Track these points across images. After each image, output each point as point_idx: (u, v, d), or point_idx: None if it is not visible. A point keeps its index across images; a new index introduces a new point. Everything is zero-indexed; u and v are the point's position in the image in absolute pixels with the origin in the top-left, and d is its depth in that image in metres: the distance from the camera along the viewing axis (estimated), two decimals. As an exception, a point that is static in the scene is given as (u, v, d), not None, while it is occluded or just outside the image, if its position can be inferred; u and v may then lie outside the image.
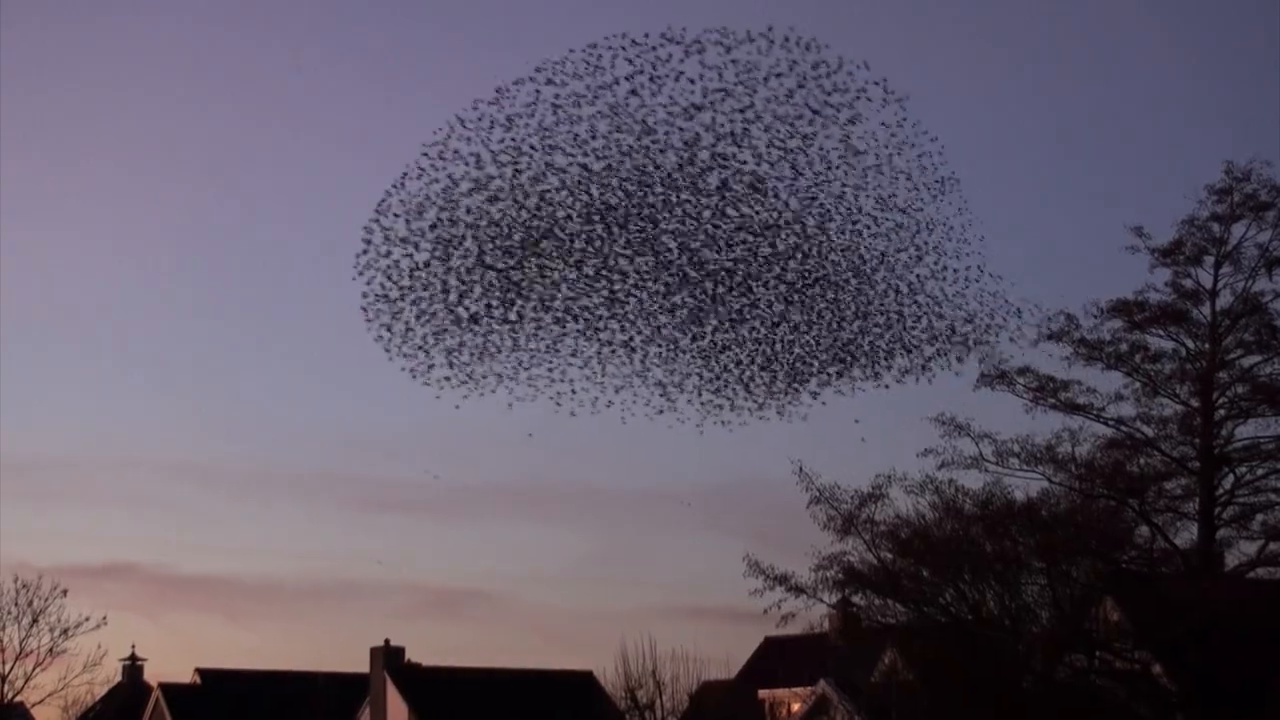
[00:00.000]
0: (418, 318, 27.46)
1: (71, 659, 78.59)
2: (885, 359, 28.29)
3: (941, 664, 41.07)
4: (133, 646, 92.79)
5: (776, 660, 63.74)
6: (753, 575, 41.31)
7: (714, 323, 27.51)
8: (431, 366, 27.86)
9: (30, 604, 77.58)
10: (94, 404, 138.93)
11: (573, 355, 27.69)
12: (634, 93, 26.08)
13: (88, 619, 78.83)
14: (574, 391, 28.05)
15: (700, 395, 28.24)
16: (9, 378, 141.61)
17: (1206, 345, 42.27)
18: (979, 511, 41.47)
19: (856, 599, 43.05)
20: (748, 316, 27.54)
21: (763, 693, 62.65)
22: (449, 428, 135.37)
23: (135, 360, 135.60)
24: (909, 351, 28.30)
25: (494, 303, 27.21)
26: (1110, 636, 40.91)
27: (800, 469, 42.00)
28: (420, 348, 27.73)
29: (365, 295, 27.42)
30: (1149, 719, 40.17)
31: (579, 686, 75.30)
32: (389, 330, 27.63)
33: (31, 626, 77.55)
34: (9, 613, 77.67)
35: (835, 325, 27.76)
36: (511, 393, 28.26)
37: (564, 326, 27.45)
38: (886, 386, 28.60)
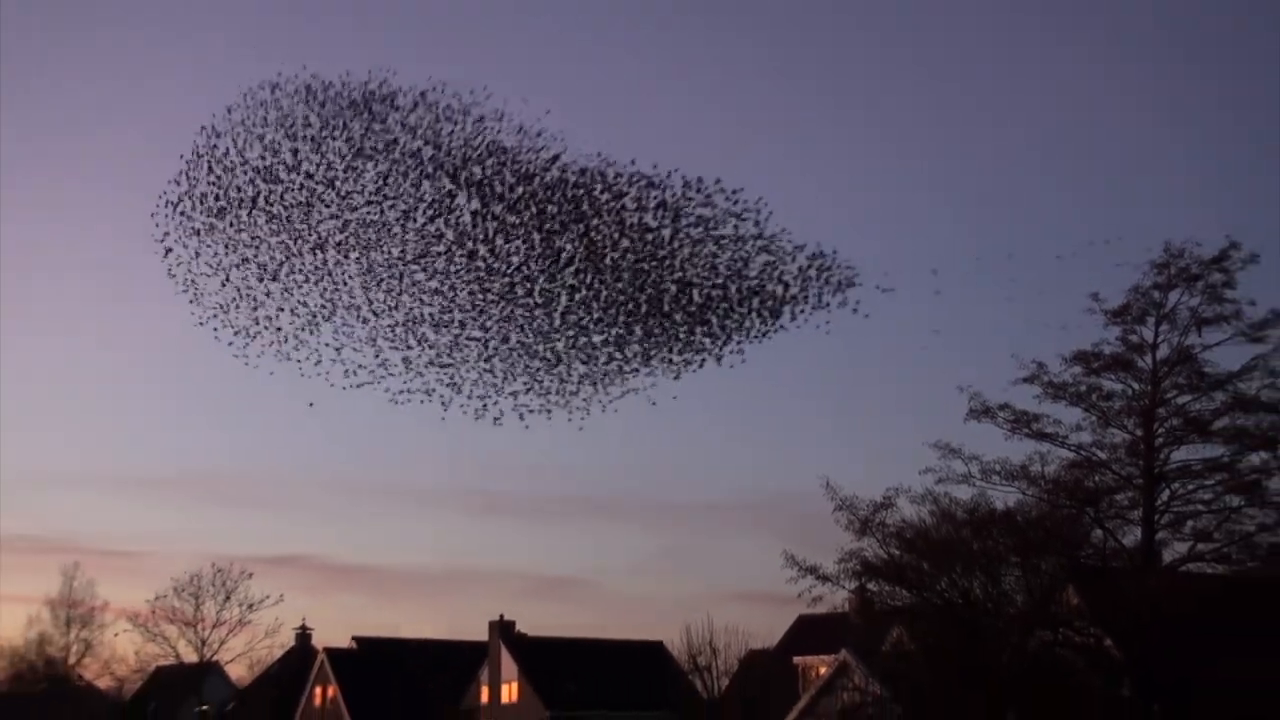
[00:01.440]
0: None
1: (256, 628, 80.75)
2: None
3: (938, 638, 41.38)
4: (303, 618, 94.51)
5: (808, 634, 64.12)
6: (789, 567, 41.85)
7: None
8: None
9: (224, 585, 79.86)
10: (267, 427, 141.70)
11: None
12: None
13: (268, 597, 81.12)
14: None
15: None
16: (202, 406, 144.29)
17: (1148, 387, 42.06)
18: (968, 517, 41.59)
19: (871, 586, 43.05)
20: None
21: (796, 659, 62.24)
22: (551, 450, 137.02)
23: (294, 390, 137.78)
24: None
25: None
26: (1071, 617, 41.13)
27: (827, 483, 42.46)
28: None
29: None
30: (1101, 683, 40.13)
31: (651, 653, 76.09)
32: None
33: (225, 602, 79.93)
34: (208, 591, 79.88)
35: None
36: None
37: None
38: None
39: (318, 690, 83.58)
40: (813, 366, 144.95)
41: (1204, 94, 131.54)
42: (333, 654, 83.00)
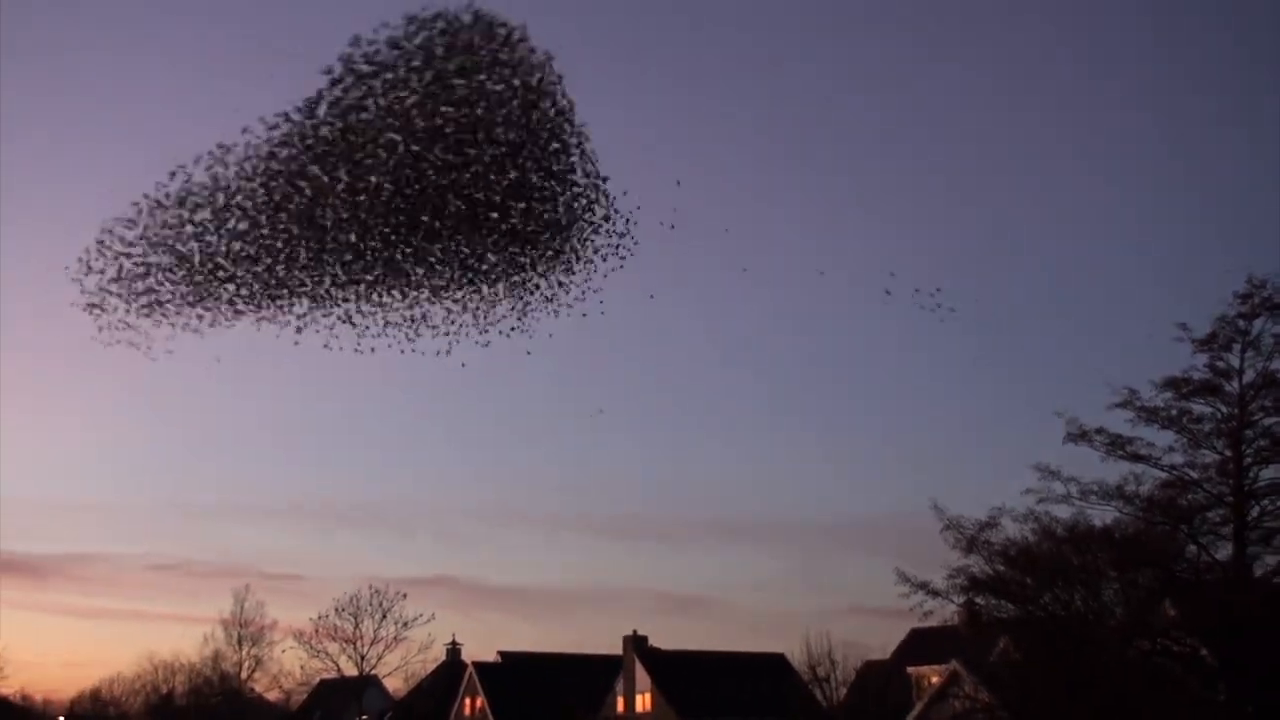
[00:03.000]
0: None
1: (410, 644, 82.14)
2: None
3: (1041, 648, 41.25)
4: (453, 635, 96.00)
5: (920, 645, 63.62)
6: (902, 583, 42.29)
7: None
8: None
9: (381, 604, 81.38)
10: (417, 461, 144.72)
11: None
12: None
13: (421, 615, 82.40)
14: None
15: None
16: (359, 442, 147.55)
17: (1236, 410, 41.80)
18: (1068, 535, 41.50)
19: (978, 600, 43.01)
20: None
21: (910, 669, 62.74)
22: (675, 476, 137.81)
23: (440, 429, 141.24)
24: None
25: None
26: (1168, 627, 40.77)
27: (935, 504, 42.94)
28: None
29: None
30: (1198, 688, 39.80)
31: (774, 665, 76.24)
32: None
33: (382, 620, 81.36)
34: (366, 610, 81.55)
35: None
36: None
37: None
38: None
39: (467, 701, 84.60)
40: (919, 395, 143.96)
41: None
42: (480, 667, 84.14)
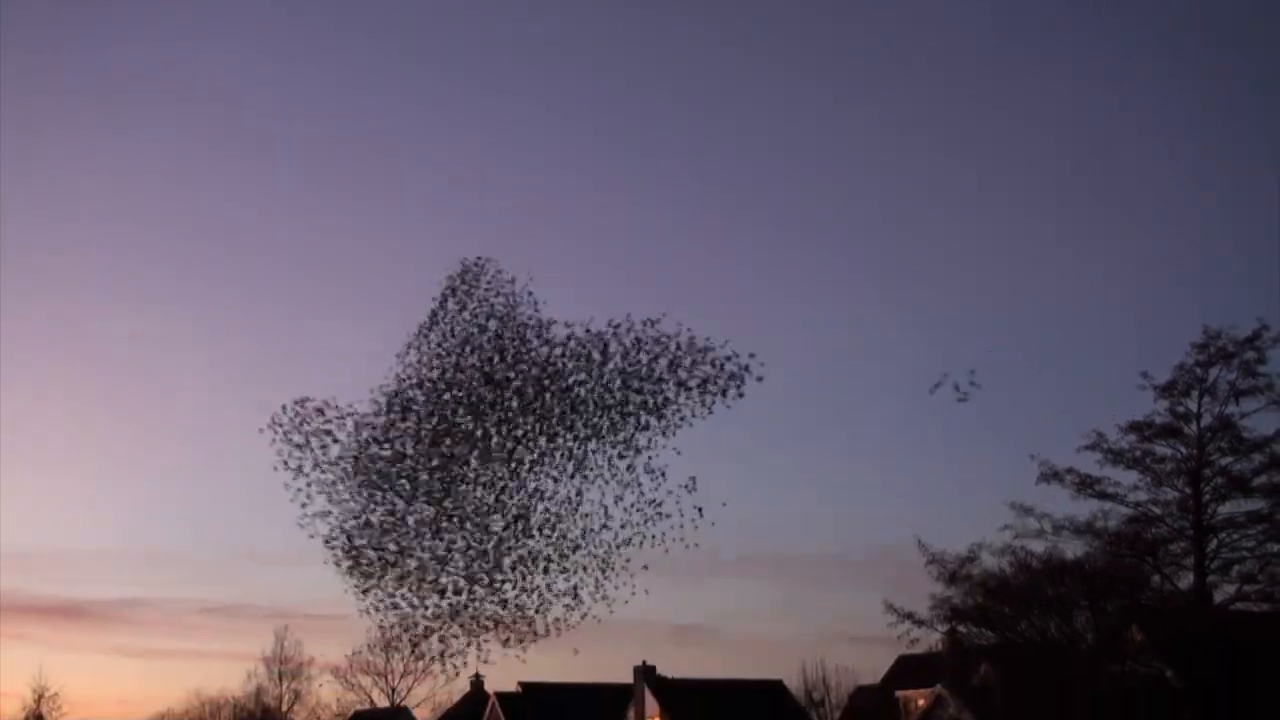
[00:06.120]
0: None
1: (436, 676, 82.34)
2: None
3: (1019, 672, 41.92)
4: (476, 668, 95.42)
5: (907, 671, 63.48)
6: (889, 613, 42.63)
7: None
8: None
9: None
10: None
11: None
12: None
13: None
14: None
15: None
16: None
17: (1195, 451, 42.35)
18: (1042, 567, 42.04)
19: (960, 628, 43.69)
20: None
21: (899, 693, 63.25)
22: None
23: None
24: None
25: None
26: (1136, 651, 41.39)
27: (919, 541, 43.61)
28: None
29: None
30: (1166, 709, 40.17)
31: (773, 691, 76.43)
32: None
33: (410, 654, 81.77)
34: (396, 647, 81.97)
35: None
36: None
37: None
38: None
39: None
40: (903, 436, 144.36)
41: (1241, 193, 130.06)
42: (502, 697, 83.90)
